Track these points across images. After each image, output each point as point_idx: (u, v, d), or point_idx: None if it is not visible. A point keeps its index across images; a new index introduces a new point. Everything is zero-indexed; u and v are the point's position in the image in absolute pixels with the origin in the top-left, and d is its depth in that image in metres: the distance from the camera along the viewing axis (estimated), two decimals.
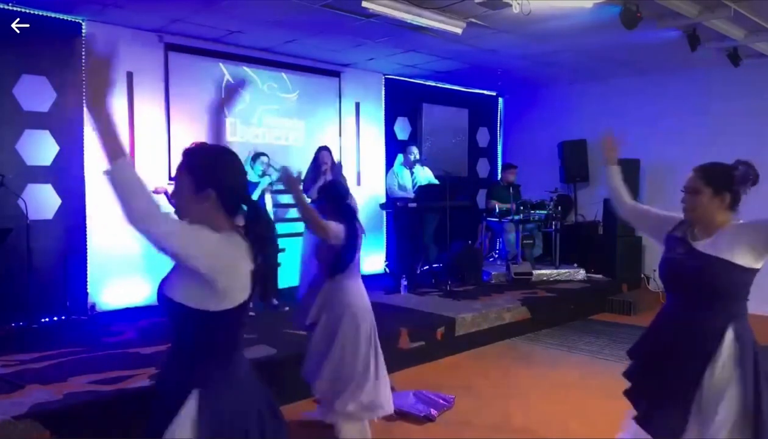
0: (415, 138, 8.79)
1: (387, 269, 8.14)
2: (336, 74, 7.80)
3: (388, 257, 8.36)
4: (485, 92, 9.82)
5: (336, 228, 3.35)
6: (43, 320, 5.38)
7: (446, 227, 7.01)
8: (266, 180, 5.88)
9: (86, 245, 5.74)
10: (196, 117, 6.54)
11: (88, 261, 5.75)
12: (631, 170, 8.19)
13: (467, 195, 8.74)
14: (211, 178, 1.71)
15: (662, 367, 2.32)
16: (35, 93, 5.44)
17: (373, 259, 8.25)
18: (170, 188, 5.59)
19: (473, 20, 5.66)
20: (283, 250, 6.38)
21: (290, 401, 4.03)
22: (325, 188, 3.82)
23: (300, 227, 7.04)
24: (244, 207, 1.81)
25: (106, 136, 1.52)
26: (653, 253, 7.59)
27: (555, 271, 7.92)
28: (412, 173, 7.51)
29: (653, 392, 2.32)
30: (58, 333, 5.13)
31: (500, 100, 10.18)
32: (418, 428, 3.98)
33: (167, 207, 1.93)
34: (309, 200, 5.94)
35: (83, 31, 5.72)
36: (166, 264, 1.76)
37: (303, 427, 3.79)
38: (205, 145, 1.92)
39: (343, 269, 3.49)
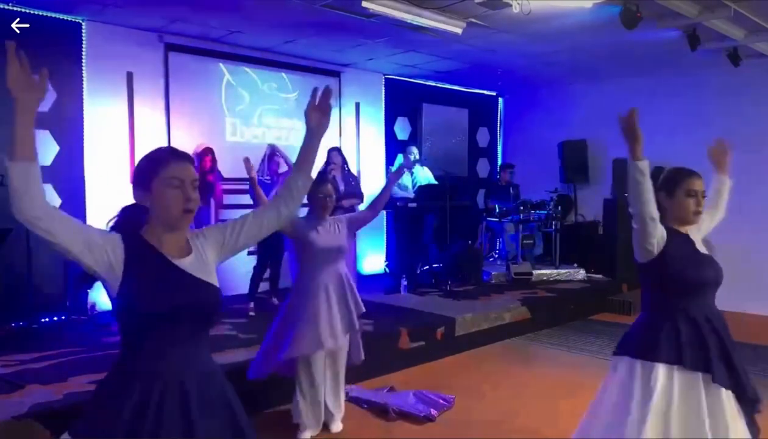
0: (415, 138, 8.80)
1: (387, 269, 8.14)
2: (336, 74, 7.80)
3: (388, 257, 8.36)
4: (485, 92, 9.82)
5: None
6: (43, 320, 5.38)
7: (446, 227, 7.01)
8: None
9: None
10: (196, 117, 6.55)
11: None
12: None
13: (467, 195, 8.74)
14: None
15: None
16: None
17: (373, 259, 8.26)
18: None
19: (473, 20, 5.66)
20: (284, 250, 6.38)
21: (290, 401, 4.01)
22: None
23: None
24: None
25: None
26: None
27: (555, 271, 7.91)
28: (412, 173, 7.52)
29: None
30: (58, 333, 5.14)
31: (500, 100, 10.19)
32: (418, 428, 3.98)
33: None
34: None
35: (83, 31, 5.72)
36: None
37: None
38: None
39: None
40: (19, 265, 5.17)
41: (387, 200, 4.02)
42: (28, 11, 5.29)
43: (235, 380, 3.43)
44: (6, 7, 5.15)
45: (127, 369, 1.69)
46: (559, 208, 8.03)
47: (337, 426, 3.86)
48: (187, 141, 6.18)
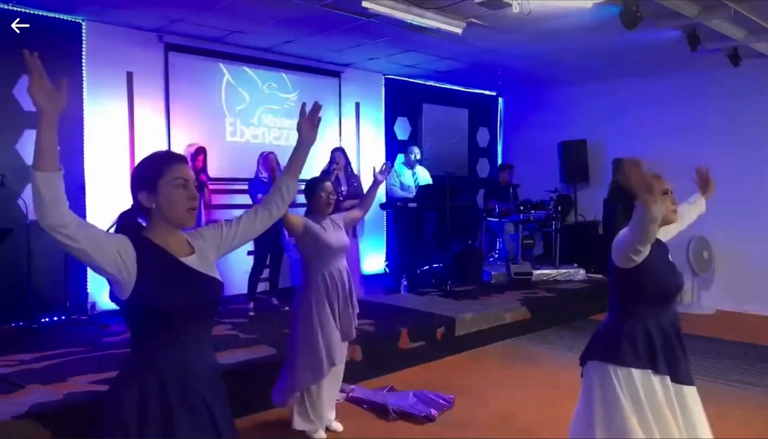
0: (415, 138, 8.80)
1: (387, 269, 8.14)
2: (336, 74, 7.81)
3: (388, 257, 8.37)
4: (485, 92, 9.82)
5: None
6: (43, 320, 5.38)
7: (446, 226, 7.01)
8: None
9: None
10: (196, 117, 6.55)
11: None
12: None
13: (467, 195, 8.74)
14: None
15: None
16: None
17: (373, 259, 8.26)
18: None
19: (473, 20, 5.66)
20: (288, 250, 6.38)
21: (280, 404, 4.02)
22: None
23: None
24: None
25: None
26: None
27: (555, 271, 7.91)
28: (413, 173, 7.52)
29: None
30: (58, 333, 5.14)
31: (500, 100, 10.19)
32: (418, 428, 3.98)
33: None
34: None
35: (83, 31, 5.72)
36: None
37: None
38: None
39: None
40: (19, 265, 5.17)
41: (374, 199, 4.04)
42: (28, 11, 5.29)
43: (236, 380, 3.46)
44: (6, 7, 5.15)
45: (140, 368, 1.73)
46: (559, 208, 8.02)
47: (337, 426, 3.86)
48: (187, 141, 6.18)
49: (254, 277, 5.95)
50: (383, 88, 8.46)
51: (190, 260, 1.80)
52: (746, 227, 7.46)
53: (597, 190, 8.61)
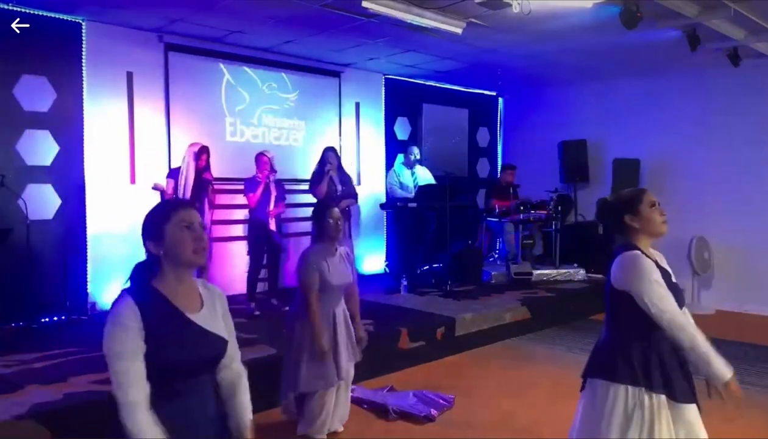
0: (415, 138, 8.80)
1: (387, 269, 8.14)
2: (336, 74, 7.80)
3: (388, 257, 8.36)
4: (485, 92, 9.82)
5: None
6: (43, 320, 5.38)
7: (446, 227, 7.00)
8: None
9: (86, 244, 5.74)
10: (196, 117, 6.55)
11: (88, 261, 5.75)
12: (631, 170, 8.20)
13: (467, 195, 8.74)
14: None
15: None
16: (35, 93, 5.45)
17: (373, 259, 8.26)
18: (168, 185, 5.59)
19: (473, 20, 5.66)
20: (283, 250, 6.39)
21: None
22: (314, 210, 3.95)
23: (302, 227, 7.07)
24: None
25: None
26: None
27: (555, 271, 7.91)
28: (413, 173, 7.52)
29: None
30: (58, 333, 5.14)
31: (500, 100, 10.19)
32: (418, 428, 3.98)
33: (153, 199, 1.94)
34: (315, 200, 6.02)
35: (83, 31, 5.72)
36: None
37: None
38: None
39: None
40: (19, 265, 5.17)
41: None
42: (28, 11, 5.29)
43: None
44: (6, 7, 5.14)
45: None
46: (559, 208, 8.02)
47: (336, 426, 3.86)
48: (187, 141, 6.17)
49: (252, 277, 5.96)
50: (383, 88, 8.46)
51: (198, 317, 1.80)
52: (746, 227, 7.46)
53: (597, 191, 8.60)
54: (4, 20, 5.08)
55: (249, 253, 6.03)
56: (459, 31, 5.66)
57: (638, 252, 2.32)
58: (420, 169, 7.57)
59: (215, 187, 5.89)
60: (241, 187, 6.03)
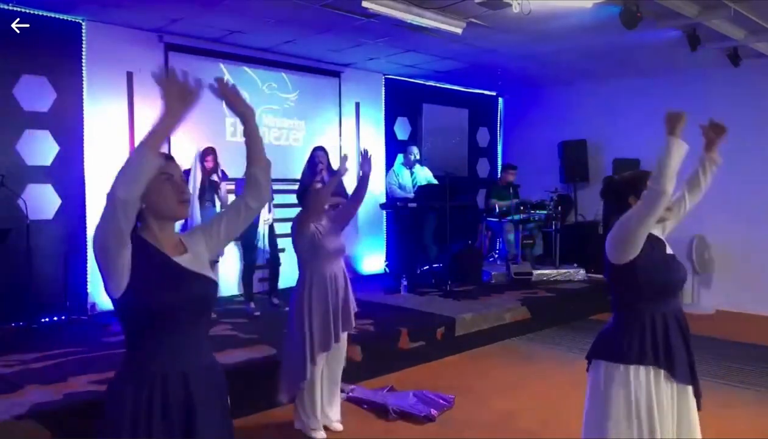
0: (415, 138, 8.80)
1: (387, 269, 8.14)
2: (336, 74, 7.80)
3: (388, 257, 8.36)
4: (485, 92, 9.82)
5: None
6: (43, 320, 5.38)
7: (446, 227, 7.00)
8: None
9: (86, 244, 5.74)
10: (195, 117, 6.53)
11: (88, 261, 5.75)
12: (631, 170, 8.19)
13: (467, 195, 8.74)
14: None
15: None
16: (35, 93, 5.45)
17: (373, 259, 8.26)
18: None
19: (473, 20, 5.66)
20: (283, 250, 6.37)
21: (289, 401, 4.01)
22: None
23: None
24: None
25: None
26: None
27: (555, 271, 7.91)
28: (412, 173, 7.52)
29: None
30: (58, 333, 5.14)
31: (500, 100, 10.19)
32: (418, 428, 3.98)
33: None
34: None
35: (83, 31, 5.72)
36: None
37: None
38: None
39: None
40: (19, 265, 5.17)
41: (366, 190, 4.12)
42: (28, 11, 5.29)
43: (236, 379, 3.46)
44: (6, 7, 5.14)
45: (134, 368, 1.74)
46: (559, 208, 8.02)
47: (337, 426, 3.86)
48: (187, 141, 6.17)
49: (245, 277, 5.98)
50: (383, 88, 8.46)
51: (183, 259, 1.81)
52: (746, 227, 7.46)
53: (597, 190, 8.53)
54: (4, 20, 5.08)
55: (240, 253, 6.05)
56: (459, 31, 5.66)
57: None
58: (420, 169, 7.56)
59: (228, 188, 5.89)
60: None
